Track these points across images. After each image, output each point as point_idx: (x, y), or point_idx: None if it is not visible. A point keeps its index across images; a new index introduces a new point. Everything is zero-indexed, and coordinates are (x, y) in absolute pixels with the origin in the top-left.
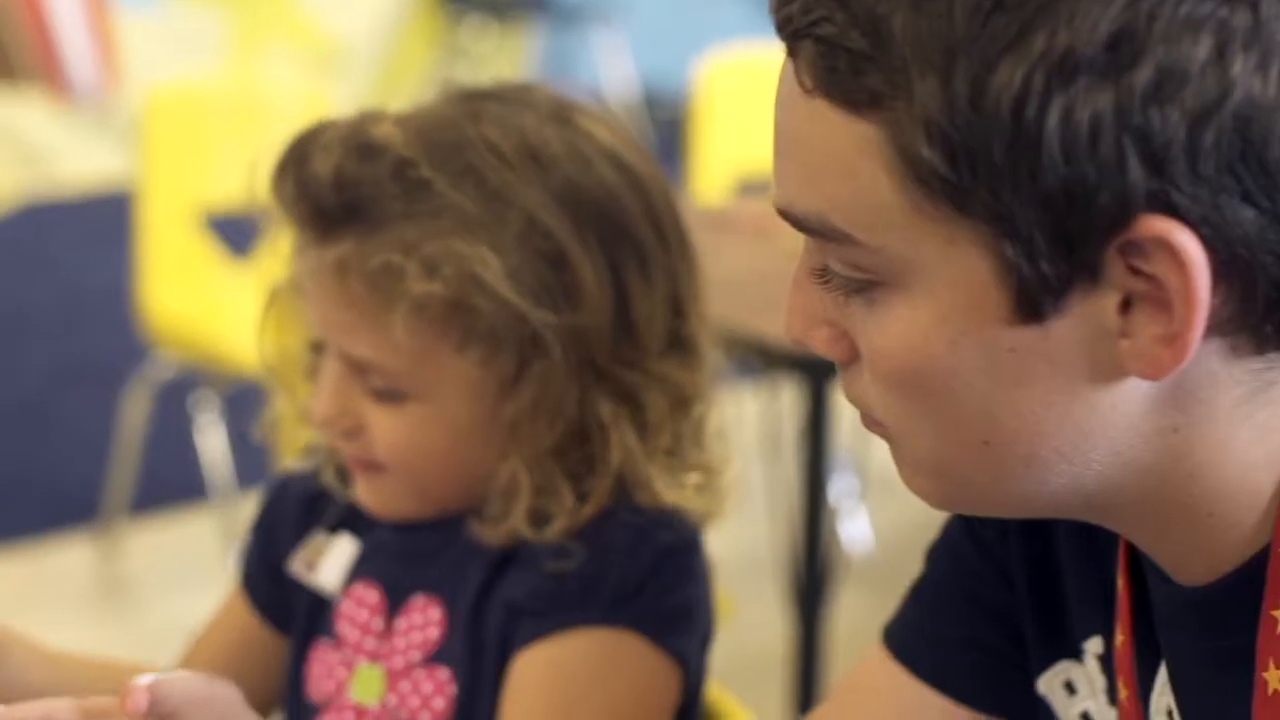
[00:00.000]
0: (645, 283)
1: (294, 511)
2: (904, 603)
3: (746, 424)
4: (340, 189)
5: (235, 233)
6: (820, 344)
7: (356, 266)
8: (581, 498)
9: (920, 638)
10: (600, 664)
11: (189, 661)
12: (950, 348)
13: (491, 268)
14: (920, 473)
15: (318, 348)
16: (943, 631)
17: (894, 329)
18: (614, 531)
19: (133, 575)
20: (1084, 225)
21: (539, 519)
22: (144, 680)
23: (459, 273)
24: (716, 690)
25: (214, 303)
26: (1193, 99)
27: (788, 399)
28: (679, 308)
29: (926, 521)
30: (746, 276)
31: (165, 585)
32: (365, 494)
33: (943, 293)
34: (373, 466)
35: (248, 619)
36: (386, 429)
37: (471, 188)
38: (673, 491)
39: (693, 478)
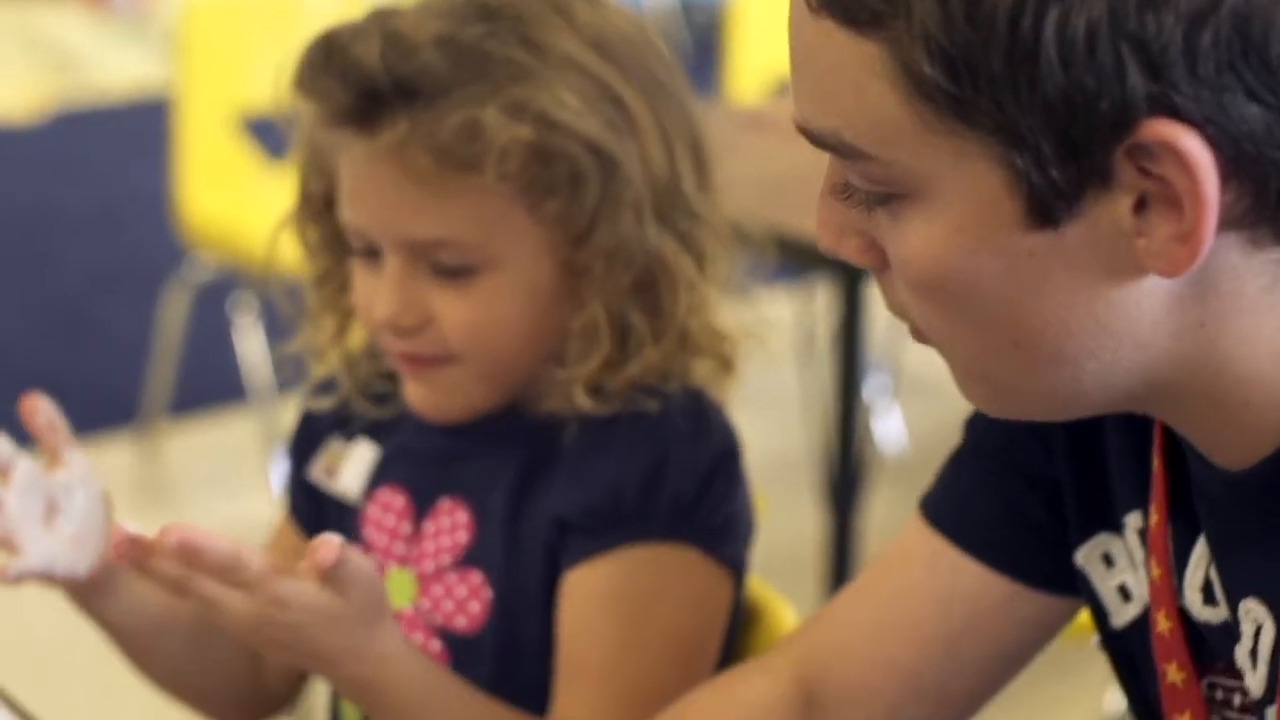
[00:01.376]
0: (673, 122)
1: (325, 431)
2: (942, 472)
3: (781, 325)
4: (389, 69)
5: (272, 136)
6: (851, 253)
7: (422, 140)
8: (658, 337)
9: (958, 507)
10: (661, 579)
11: None
12: (969, 256)
13: (568, 107)
14: (968, 379)
15: (331, 271)
16: (981, 501)
17: (914, 240)
18: (669, 423)
19: (171, 477)
20: (1088, 132)
21: (599, 388)
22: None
23: (538, 117)
24: (756, 582)
25: (252, 205)
26: (1187, 1)
27: (822, 301)
28: (698, 145)
29: (958, 421)
30: (783, 176)
31: (204, 486)
32: (424, 395)
33: (957, 204)
34: (439, 360)
35: (299, 544)
36: (458, 312)
37: (516, 43)
38: (726, 323)
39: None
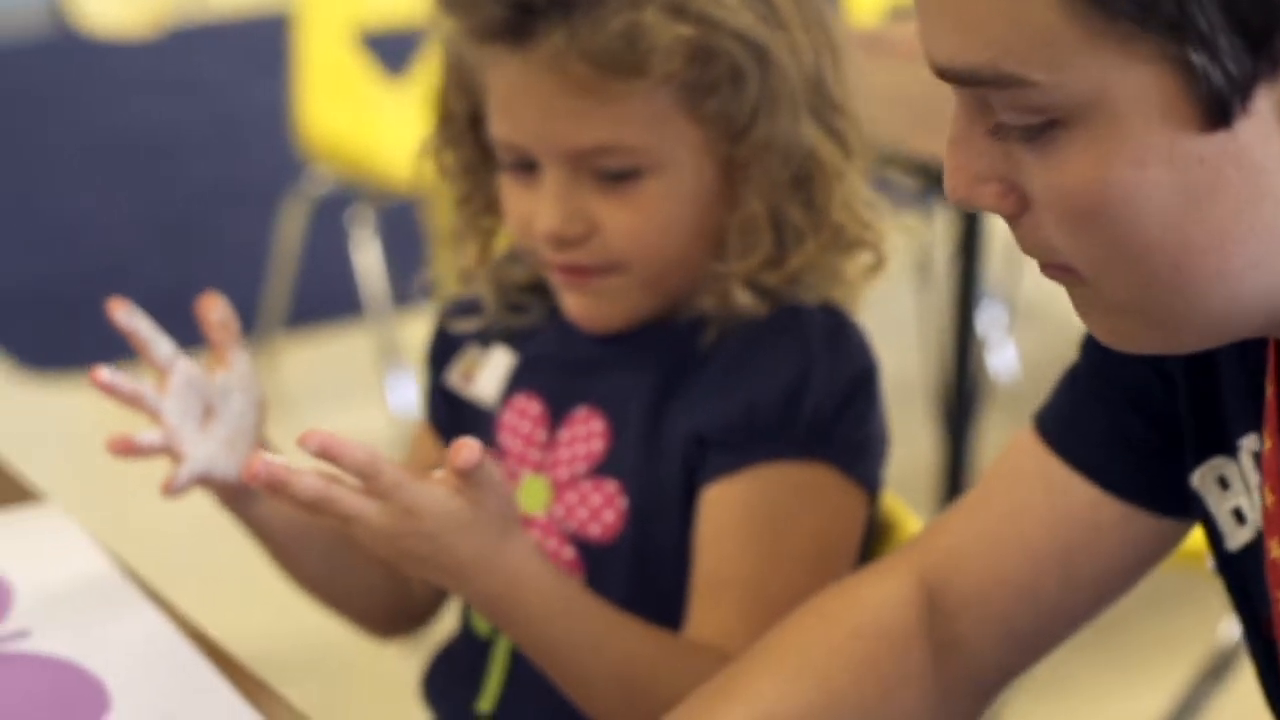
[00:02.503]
0: (811, 14)
1: (462, 338)
2: (1058, 389)
3: (898, 250)
4: None
5: (390, 51)
6: (987, 200)
7: (580, 49)
8: (818, 232)
9: (1072, 425)
10: (798, 497)
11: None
12: (1139, 170)
13: (724, 4)
14: (1121, 315)
15: (473, 192)
16: (1095, 421)
17: (1077, 165)
18: (810, 340)
19: (287, 390)
20: (1267, 18)
21: (756, 286)
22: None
23: (697, 16)
24: (887, 497)
25: (371, 119)
26: None
27: (939, 223)
28: (833, 39)
29: (1072, 350)
30: (901, 97)
31: (320, 399)
32: (585, 306)
33: (1128, 115)
34: (603, 270)
35: (438, 453)
36: (622, 219)
37: None
38: (874, 217)
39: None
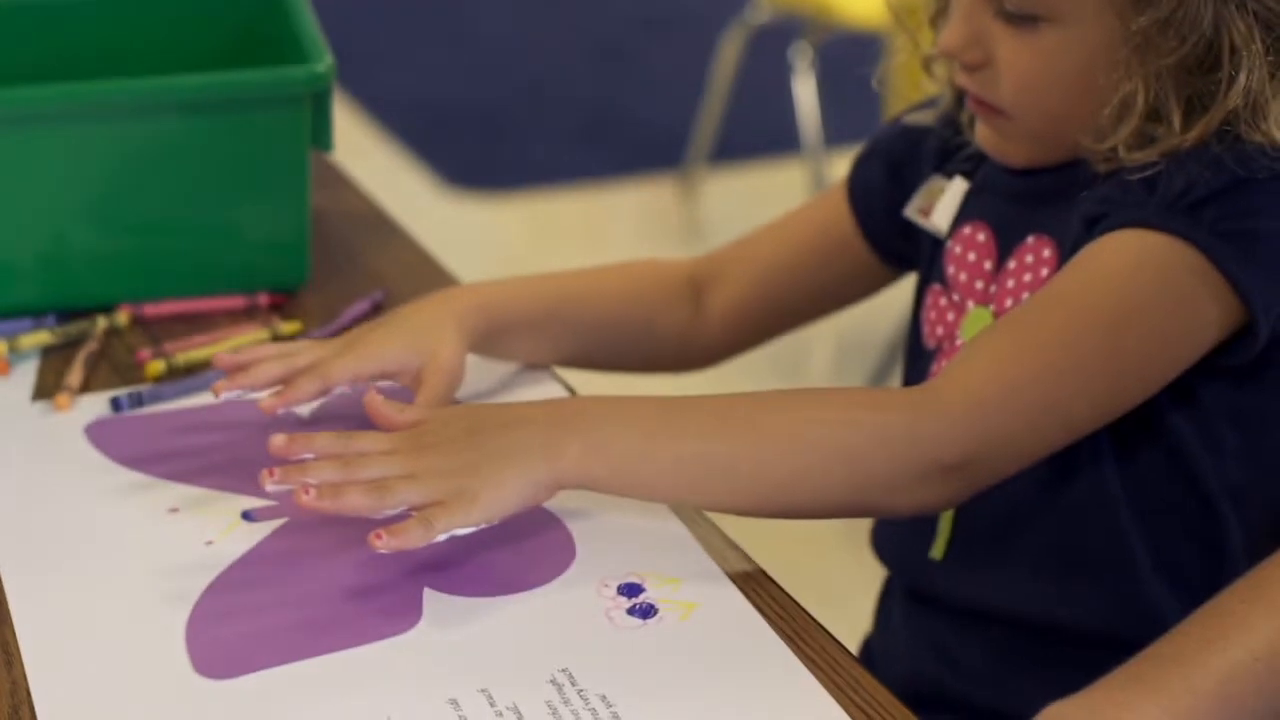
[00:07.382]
0: None
1: (928, 159)
2: None
3: None
4: None
5: None
6: None
7: None
8: (1188, 125)
9: None
10: (1130, 258)
11: (782, 224)
12: None
13: None
14: None
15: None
16: None
17: None
18: (1202, 153)
19: (707, 222)
20: None
21: (1141, 141)
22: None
23: None
24: None
25: None
26: None
27: None
28: None
29: None
30: None
31: (739, 233)
32: (987, 136)
33: None
34: (995, 111)
35: (844, 217)
36: (1016, 60)
37: None
38: None
39: None
